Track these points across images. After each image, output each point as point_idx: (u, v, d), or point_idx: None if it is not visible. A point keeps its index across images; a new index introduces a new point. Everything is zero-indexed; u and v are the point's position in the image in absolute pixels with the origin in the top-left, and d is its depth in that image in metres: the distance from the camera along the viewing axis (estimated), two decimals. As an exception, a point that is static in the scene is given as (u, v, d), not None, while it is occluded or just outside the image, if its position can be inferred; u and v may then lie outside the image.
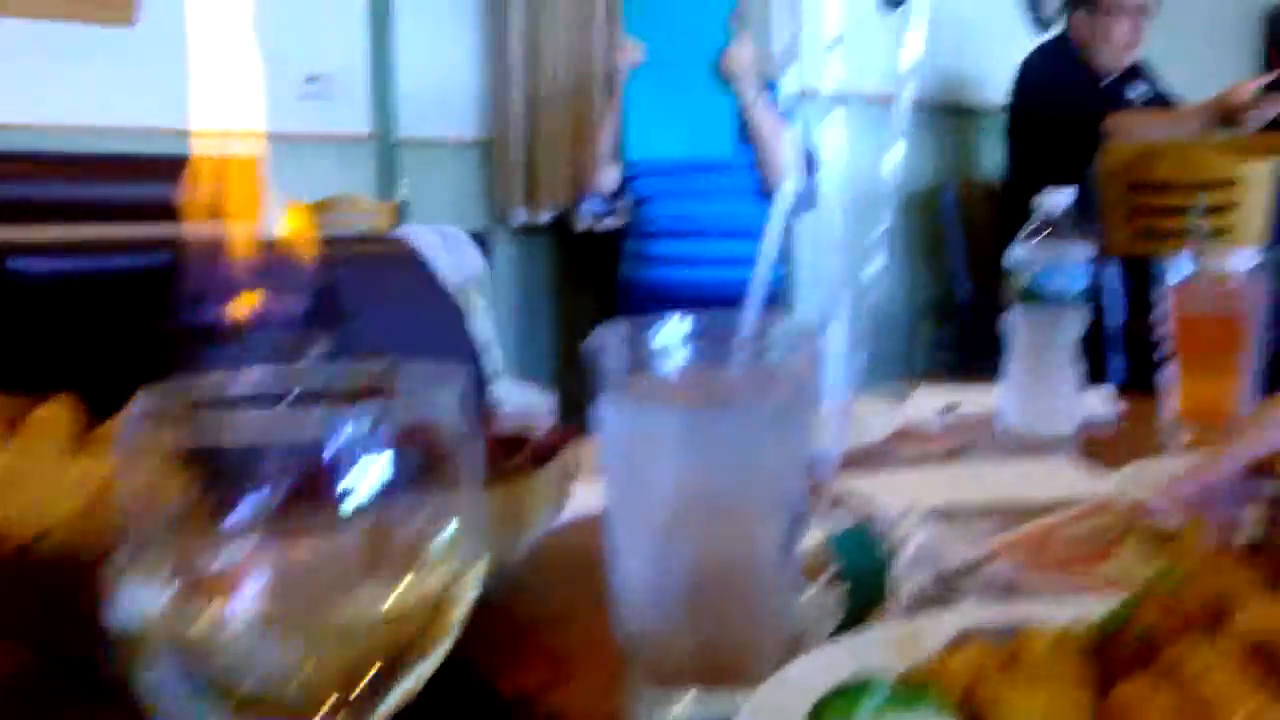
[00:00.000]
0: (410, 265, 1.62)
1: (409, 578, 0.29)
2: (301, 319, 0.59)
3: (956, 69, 3.46)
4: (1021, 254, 1.00)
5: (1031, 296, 0.98)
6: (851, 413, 0.99)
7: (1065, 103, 2.85)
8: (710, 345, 0.45)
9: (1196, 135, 2.65)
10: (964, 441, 0.96)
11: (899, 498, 0.67)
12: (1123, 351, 2.38)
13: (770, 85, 2.46)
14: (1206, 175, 2.15)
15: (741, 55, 2.30)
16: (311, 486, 0.28)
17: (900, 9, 3.24)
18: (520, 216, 4.14)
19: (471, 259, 1.73)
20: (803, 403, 0.43)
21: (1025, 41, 3.63)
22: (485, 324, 1.67)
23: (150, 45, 3.54)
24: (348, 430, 0.28)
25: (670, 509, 0.41)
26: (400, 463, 0.29)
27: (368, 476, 0.29)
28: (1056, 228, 1.00)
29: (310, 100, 3.89)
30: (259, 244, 0.75)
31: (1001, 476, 0.85)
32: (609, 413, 0.44)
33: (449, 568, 0.30)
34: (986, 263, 3.18)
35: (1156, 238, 2.24)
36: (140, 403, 0.29)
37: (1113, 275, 2.39)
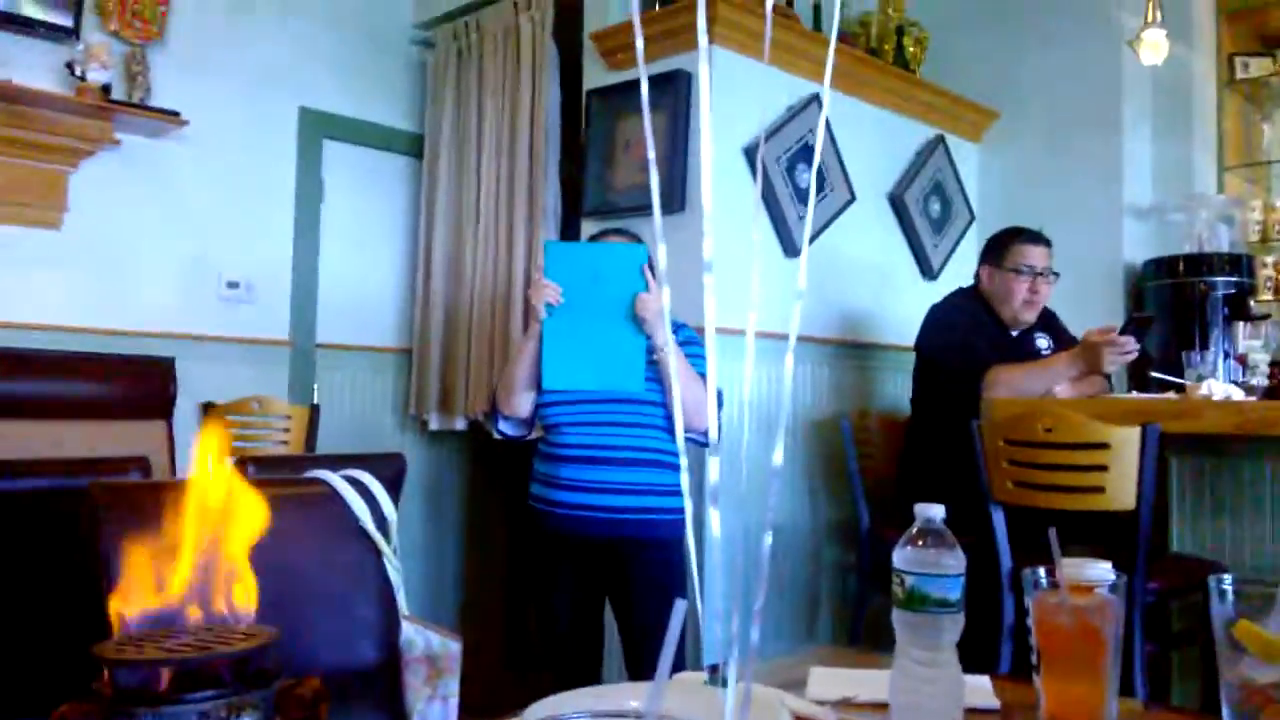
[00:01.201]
0: (330, 505, 1.65)
1: None
2: (235, 683, 0.62)
3: (852, 310, 3.71)
4: (902, 559, 1.09)
5: (913, 602, 1.07)
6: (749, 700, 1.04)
7: (971, 349, 3.05)
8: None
9: (1067, 380, 2.88)
10: (852, 741, 1.02)
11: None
12: (1011, 592, 2.48)
13: (678, 328, 2.61)
14: (1079, 436, 2.33)
15: (652, 302, 2.44)
16: None
17: (796, 257, 3.49)
18: (435, 422, 4.20)
19: (384, 505, 1.77)
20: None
21: (917, 289, 3.93)
22: (394, 567, 1.70)
23: (75, 249, 3.60)
24: None
25: None
26: None
27: None
28: (934, 535, 1.09)
29: (230, 304, 3.97)
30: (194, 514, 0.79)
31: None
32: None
33: None
34: (883, 490, 3.34)
35: (1035, 489, 2.40)
36: None
37: (999, 521, 2.52)
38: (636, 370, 2.49)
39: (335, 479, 1.77)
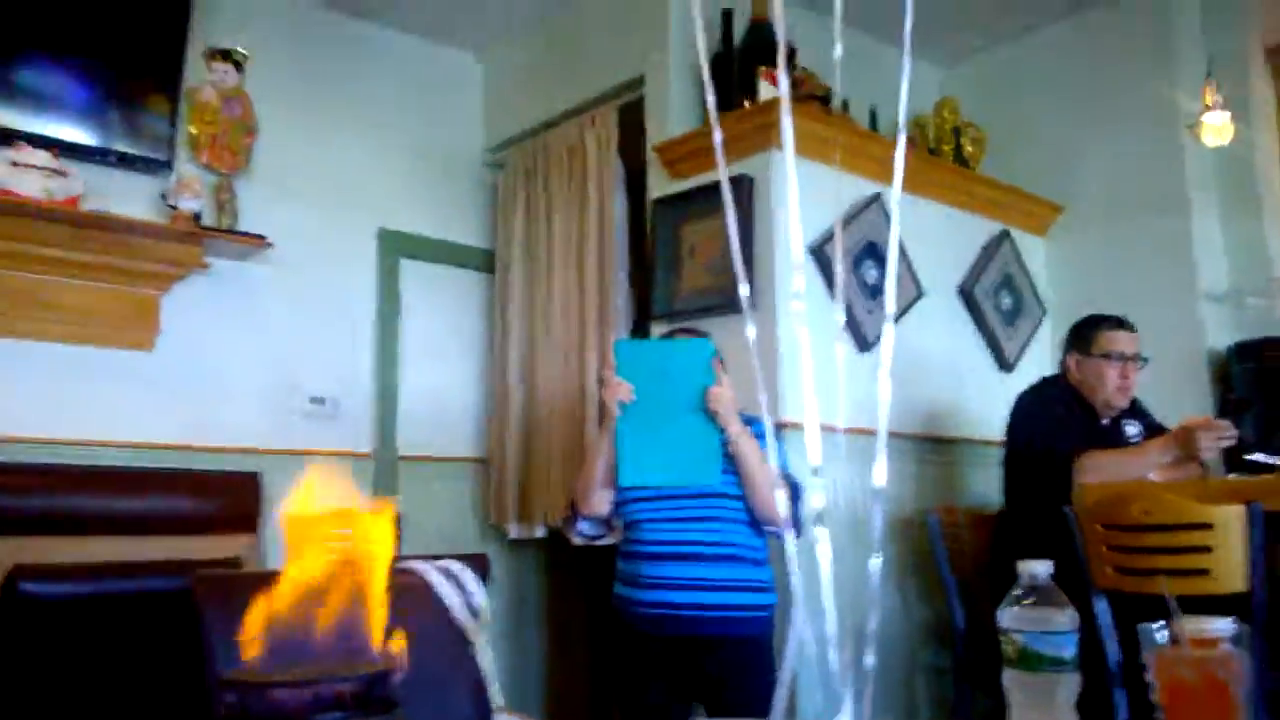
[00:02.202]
0: (423, 597, 1.65)
1: None
2: (357, 706, 0.63)
3: (933, 405, 3.67)
4: (1010, 619, 1.06)
5: (1025, 661, 1.03)
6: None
7: (1061, 436, 2.98)
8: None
9: (1159, 468, 2.79)
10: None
11: None
12: (1123, 687, 2.37)
13: (752, 422, 2.60)
14: (1177, 518, 2.25)
15: (724, 394, 2.45)
16: None
17: (867, 351, 3.49)
18: (514, 531, 4.21)
19: (475, 592, 1.77)
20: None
21: (994, 382, 3.89)
22: (486, 657, 1.68)
23: (167, 369, 3.75)
24: None
25: None
26: None
27: None
28: (1041, 593, 1.06)
29: (315, 419, 4.07)
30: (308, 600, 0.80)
31: None
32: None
33: None
34: (974, 587, 3.23)
35: (1137, 575, 2.31)
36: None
37: (1103, 610, 2.43)
38: (713, 463, 2.49)
39: (427, 568, 1.79)
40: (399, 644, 0.63)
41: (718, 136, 0.60)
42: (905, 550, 3.48)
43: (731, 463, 2.54)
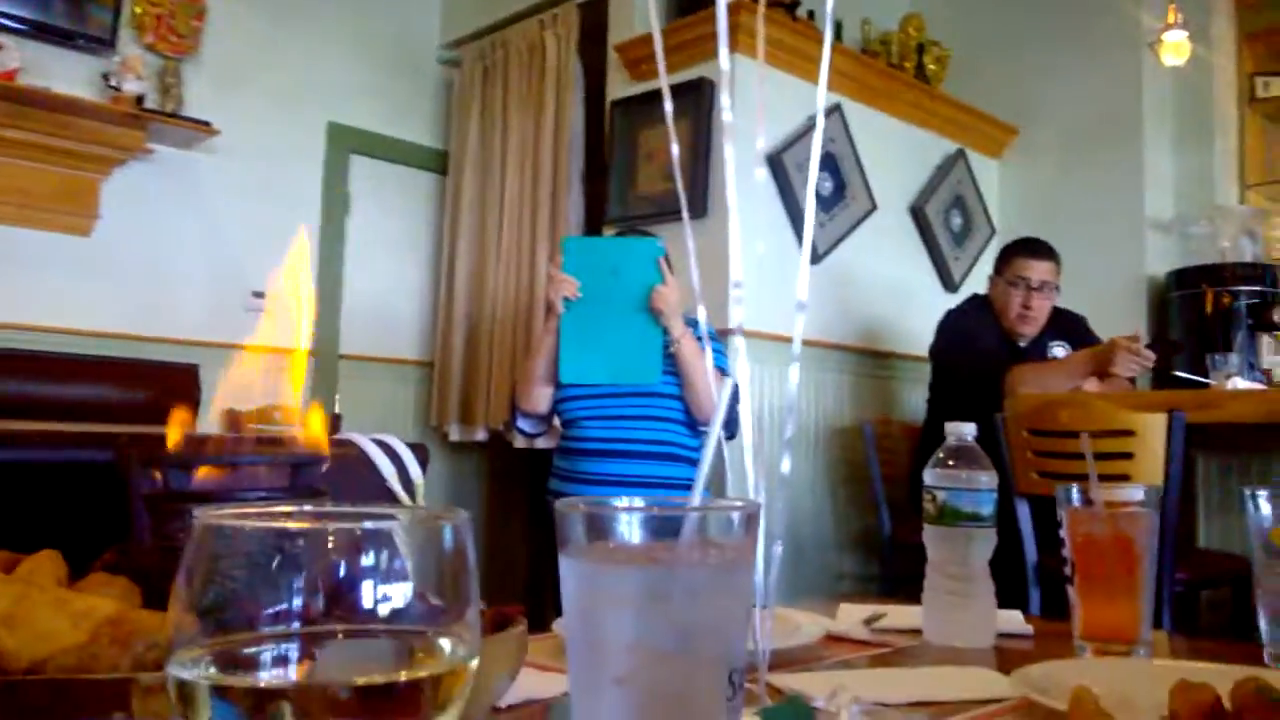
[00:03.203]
0: (360, 468, 1.65)
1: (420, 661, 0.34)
2: (287, 490, 0.64)
3: (877, 320, 3.71)
4: (934, 477, 1.09)
5: (945, 517, 1.07)
6: (778, 615, 1.04)
7: (985, 354, 3.05)
8: (660, 518, 0.51)
9: (1085, 379, 2.85)
10: (889, 649, 1.02)
11: (828, 691, 0.72)
12: (1038, 585, 2.46)
13: (693, 323, 2.60)
14: (1104, 424, 2.32)
15: (668, 294, 2.45)
16: (341, 594, 0.33)
17: (817, 264, 3.51)
18: (455, 433, 4.22)
19: (410, 468, 1.76)
20: (743, 567, 0.49)
21: (938, 301, 3.94)
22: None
23: (105, 256, 3.66)
24: (372, 547, 0.34)
25: (625, 659, 0.46)
26: (414, 589, 0.35)
27: (386, 595, 0.34)
28: (964, 454, 1.09)
29: (256, 314, 4.01)
30: (239, 435, 0.80)
31: (924, 679, 0.90)
32: (571, 575, 0.49)
33: (448, 662, 0.35)
34: (904, 498, 3.31)
35: (1060, 479, 2.38)
36: (198, 517, 0.35)
37: (1024, 514, 2.50)
38: (653, 363, 2.49)
39: (364, 440, 1.79)
40: (319, 431, 0.64)
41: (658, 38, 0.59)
42: (839, 459, 3.55)
43: (672, 363, 2.54)
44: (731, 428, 2.51)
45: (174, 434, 0.70)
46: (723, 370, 2.57)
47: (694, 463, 2.61)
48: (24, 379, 3.30)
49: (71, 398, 3.34)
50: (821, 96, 0.74)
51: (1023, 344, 3.16)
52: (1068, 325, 3.23)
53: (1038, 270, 3.09)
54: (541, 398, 2.65)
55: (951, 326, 3.23)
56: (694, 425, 2.64)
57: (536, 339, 2.78)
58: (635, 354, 2.49)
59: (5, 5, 3.42)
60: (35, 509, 1.92)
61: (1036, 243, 3.18)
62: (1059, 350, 3.16)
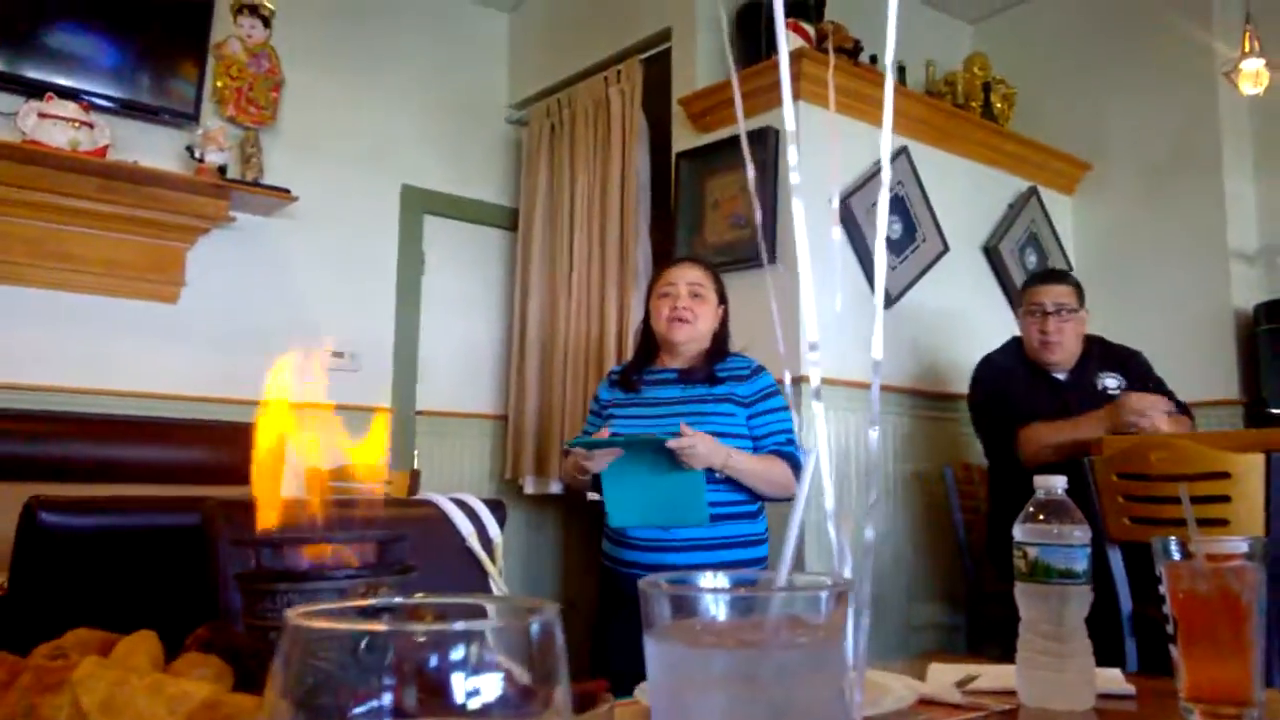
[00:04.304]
0: (441, 528, 1.67)
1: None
2: (374, 567, 0.64)
3: (953, 362, 3.65)
4: (1023, 532, 1.05)
5: (1037, 574, 1.03)
6: (866, 678, 1.01)
7: (1004, 402, 3.04)
8: (747, 597, 0.50)
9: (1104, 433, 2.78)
10: (984, 714, 0.98)
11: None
12: (1134, 636, 2.37)
13: (757, 371, 2.53)
14: (1198, 467, 2.23)
15: (694, 447, 2.30)
16: (434, 690, 0.33)
17: (890, 308, 3.47)
18: (530, 486, 4.24)
19: (490, 527, 1.78)
20: (834, 645, 0.47)
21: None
22: (500, 588, 1.70)
23: (190, 322, 3.78)
24: (462, 643, 0.34)
25: (717, 744, 0.45)
26: (504, 678, 0.35)
27: (476, 689, 0.34)
28: (1055, 508, 1.06)
29: (335, 373, 4.10)
30: (322, 501, 0.81)
31: (1020, 748, 0.87)
32: (657, 655, 0.48)
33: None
34: (982, 544, 3.22)
35: (1154, 525, 2.30)
36: (288, 618, 0.35)
37: (1117, 561, 2.42)
38: (699, 505, 2.37)
39: (443, 500, 1.80)
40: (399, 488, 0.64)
41: (736, 85, 0.59)
42: (919, 506, 3.48)
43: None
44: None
45: (263, 503, 0.71)
46: (786, 454, 2.46)
47: (751, 516, 2.51)
48: (113, 443, 3.41)
49: (159, 461, 3.44)
50: (886, 145, 0.73)
51: (1061, 375, 3.09)
52: (1122, 359, 3.14)
53: (1050, 295, 3.06)
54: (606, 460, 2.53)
55: (980, 376, 3.21)
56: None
57: (567, 469, 2.62)
58: (681, 500, 2.38)
59: (95, 85, 3.59)
60: (123, 575, 1.96)
61: (1049, 270, 3.21)
62: (1110, 382, 3.06)
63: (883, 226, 0.62)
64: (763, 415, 2.48)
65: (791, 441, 2.47)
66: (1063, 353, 3.06)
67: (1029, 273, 4.01)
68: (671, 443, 2.28)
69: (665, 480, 2.37)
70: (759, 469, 2.39)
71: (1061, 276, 3.18)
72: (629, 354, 3.10)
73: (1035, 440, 2.86)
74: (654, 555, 2.46)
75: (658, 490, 2.38)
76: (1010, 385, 3.07)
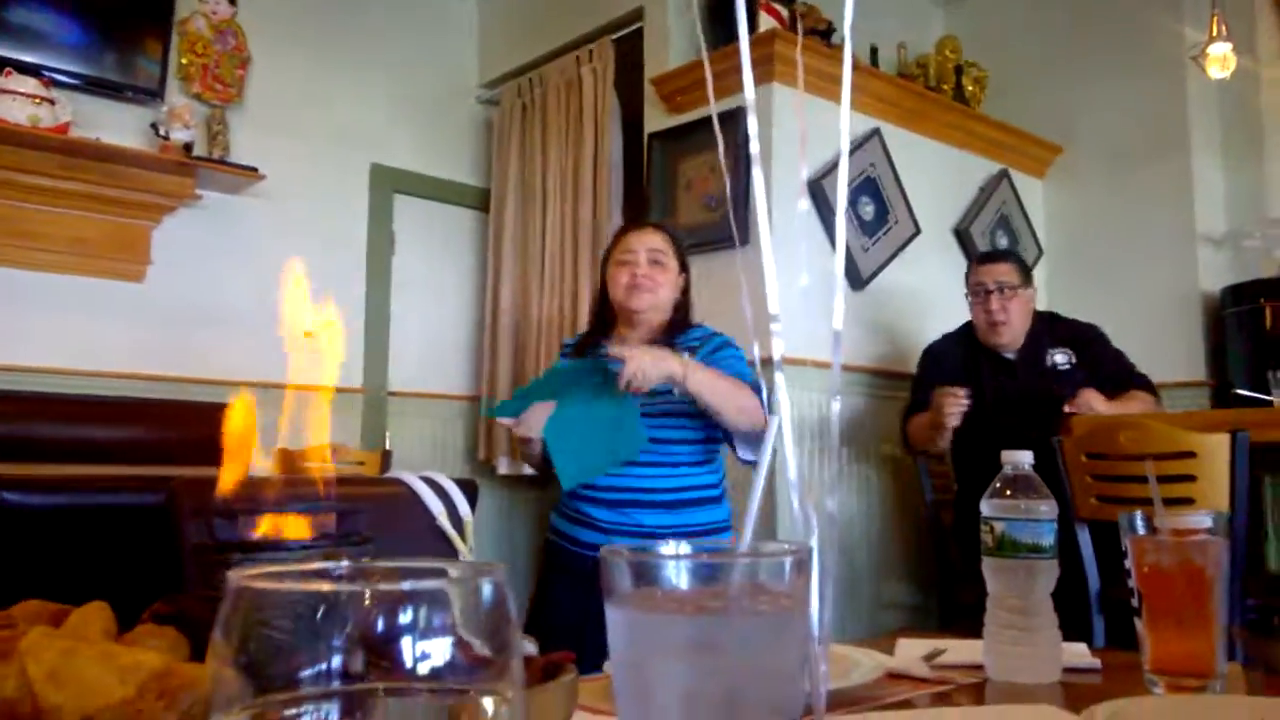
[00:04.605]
0: (410, 506, 1.65)
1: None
2: (331, 539, 0.63)
3: (924, 343, 3.66)
4: (991, 507, 1.05)
5: (1004, 548, 1.03)
6: (834, 653, 1.01)
7: (918, 388, 3.19)
8: (708, 564, 0.49)
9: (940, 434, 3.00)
10: (951, 687, 0.98)
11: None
12: (1101, 614, 2.39)
13: (710, 335, 2.36)
14: (1165, 446, 2.25)
15: (633, 359, 2.07)
16: (382, 654, 0.32)
17: (861, 290, 3.48)
18: (503, 466, 4.22)
19: (460, 506, 1.76)
20: (796, 612, 0.47)
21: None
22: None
23: (157, 301, 3.73)
24: (410, 604, 0.33)
25: (676, 710, 0.45)
26: (455, 644, 0.34)
27: (426, 653, 0.33)
28: (1022, 483, 1.06)
29: (305, 353, 4.05)
30: (287, 477, 0.80)
31: (989, 718, 0.87)
32: (618, 624, 0.48)
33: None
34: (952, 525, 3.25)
35: (1121, 504, 2.32)
36: (231, 580, 0.34)
37: (1085, 540, 2.44)
38: (636, 431, 2.20)
39: (413, 479, 1.79)
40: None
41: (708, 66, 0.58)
42: (890, 486, 3.50)
43: (678, 402, 2.21)
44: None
45: (226, 480, 0.69)
46: (744, 377, 2.24)
47: (718, 501, 2.33)
48: (78, 423, 3.36)
49: (125, 440, 3.40)
50: (845, 118, 0.73)
51: (1010, 355, 3.12)
52: (1075, 335, 3.15)
53: (992, 274, 3.10)
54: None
55: (920, 362, 3.30)
56: (711, 461, 2.33)
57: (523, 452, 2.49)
58: (623, 430, 2.20)
59: (58, 61, 3.52)
60: (87, 554, 1.94)
61: (990, 250, 3.31)
62: (1059, 358, 3.08)
63: (843, 190, 0.62)
64: (720, 364, 2.24)
65: (751, 381, 2.23)
66: (1010, 332, 3.09)
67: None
68: (619, 361, 2.07)
69: (605, 417, 2.19)
70: (725, 387, 2.14)
71: (1003, 255, 3.24)
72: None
73: (911, 430, 3.15)
74: (617, 540, 2.19)
75: (599, 430, 2.21)
76: (929, 373, 3.19)
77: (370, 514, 1.16)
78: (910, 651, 1.11)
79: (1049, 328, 3.15)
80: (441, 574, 0.34)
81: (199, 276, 3.84)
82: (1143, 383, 2.96)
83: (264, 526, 0.61)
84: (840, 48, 3.52)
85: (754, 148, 0.77)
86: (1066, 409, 2.72)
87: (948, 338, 3.30)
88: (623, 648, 0.48)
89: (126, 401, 3.52)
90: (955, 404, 2.86)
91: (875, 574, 3.41)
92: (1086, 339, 3.12)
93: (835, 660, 0.97)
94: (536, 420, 2.22)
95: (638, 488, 2.25)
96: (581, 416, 2.22)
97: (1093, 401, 2.73)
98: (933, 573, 3.39)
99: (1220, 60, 3.36)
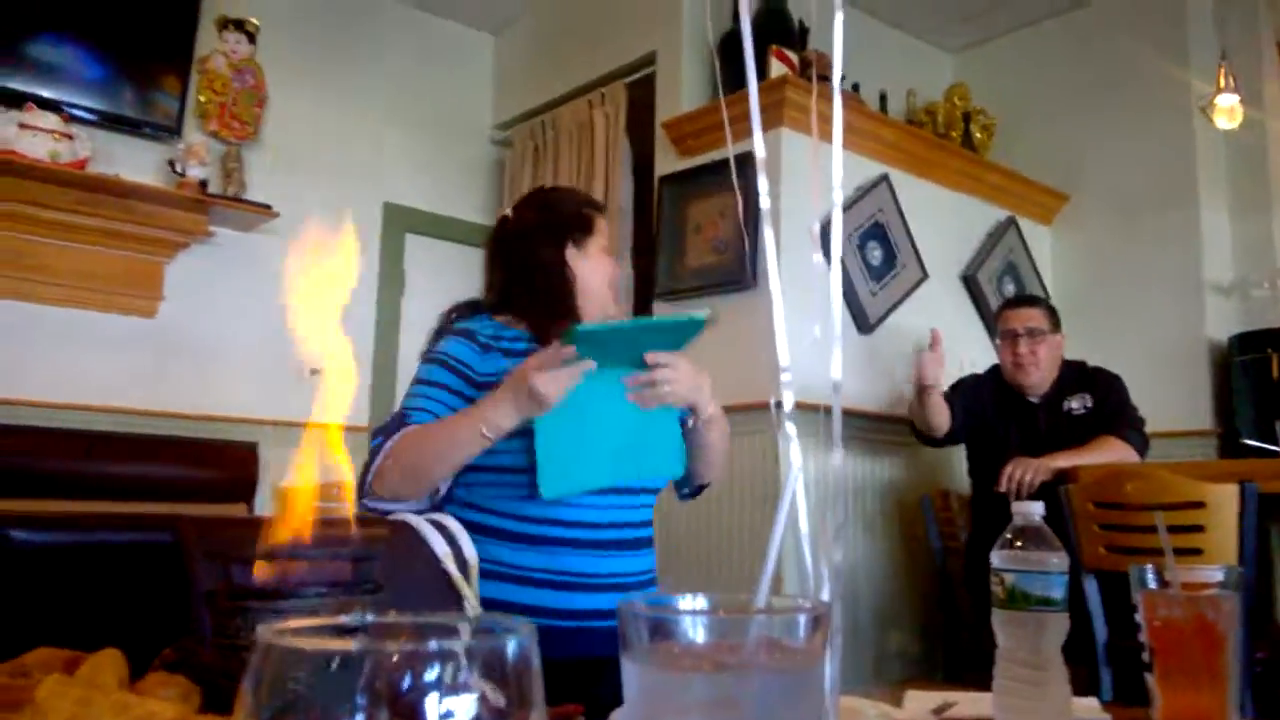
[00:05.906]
0: (416, 549, 1.65)
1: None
2: (345, 585, 0.63)
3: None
4: (1001, 559, 1.05)
5: (1014, 601, 1.03)
6: (843, 705, 1.00)
7: (990, 422, 3.18)
8: (725, 619, 0.50)
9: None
10: (958, 742, 0.98)
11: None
12: (1109, 666, 2.37)
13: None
14: (1172, 496, 2.25)
15: (683, 373, 1.68)
16: (406, 712, 0.33)
17: (869, 334, 3.49)
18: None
19: (465, 548, 1.76)
20: (813, 669, 0.47)
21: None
22: (475, 611, 1.68)
23: (169, 337, 3.75)
24: (437, 663, 0.33)
25: (694, 769, 0.45)
26: (479, 700, 0.34)
27: (450, 711, 0.33)
28: (1032, 535, 1.06)
29: (313, 391, 4.06)
30: (302, 519, 0.80)
31: (996, 776, 0.86)
32: (634, 679, 0.48)
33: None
34: (960, 574, 3.23)
35: (1129, 554, 2.31)
36: (260, 636, 0.34)
37: (1093, 591, 2.42)
38: (672, 451, 1.78)
39: (418, 520, 1.78)
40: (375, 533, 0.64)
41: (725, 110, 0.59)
42: (899, 534, 3.48)
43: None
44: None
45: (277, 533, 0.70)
46: None
47: (649, 544, 1.84)
48: (88, 459, 3.37)
49: (134, 476, 3.40)
50: (837, 160, 0.74)
51: (1033, 398, 3.15)
52: (1093, 380, 3.17)
53: (1020, 318, 3.15)
54: (442, 486, 1.83)
55: (951, 385, 3.31)
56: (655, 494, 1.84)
57: (451, 428, 1.79)
58: (652, 448, 1.77)
59: (77, 97, 3.57)
60: (93, 592, 1.94)
61: (1020, 295, 3.36)
62: (1074, 404, 3.11)
63: (838, 235, 0.62)
64: None
65: None
66: (1037, 375, 3.12)
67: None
68: (650, 365, 1.64)
69: (630, 422, 1.71)
70: (725, 447, 1.84)
71: (1032, 300, 3.29)
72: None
73: (911, 409, 3.26)
74: (596, 597, 1.71)
75: (617, 434, 1.71)
76: (957, 389, 3.26)
77: (379, 558, 1.16)
78: (919, 704, 1.10)
79: (1075, 374, 3.18)
80: (466, 631, 0.35)
81: (211, 312, 3.87)
82: (1125, 430, 2.95)
83: (279, 572, 0.62)
84: (848, 94, 3.57)
85: (764, 204, 0.78)
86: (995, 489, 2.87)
87: (977, 377, 3.34)
88: (638, 703, 0.48)
89: (137, 437, 3.54)
90: (933, 362, 2.99)
91: (879, 622, 3.39)
92: (1101, 385, 3.15)
93: (845, 713, 0.97)
94: (562, 384, 1.61)
95: (628, 522, 1.77)
96: (600, 413, 1.71)
97: (1024, 470, 2.85)
98: (938, 621, 3.37)
99: (1228, 112, 3.39)
